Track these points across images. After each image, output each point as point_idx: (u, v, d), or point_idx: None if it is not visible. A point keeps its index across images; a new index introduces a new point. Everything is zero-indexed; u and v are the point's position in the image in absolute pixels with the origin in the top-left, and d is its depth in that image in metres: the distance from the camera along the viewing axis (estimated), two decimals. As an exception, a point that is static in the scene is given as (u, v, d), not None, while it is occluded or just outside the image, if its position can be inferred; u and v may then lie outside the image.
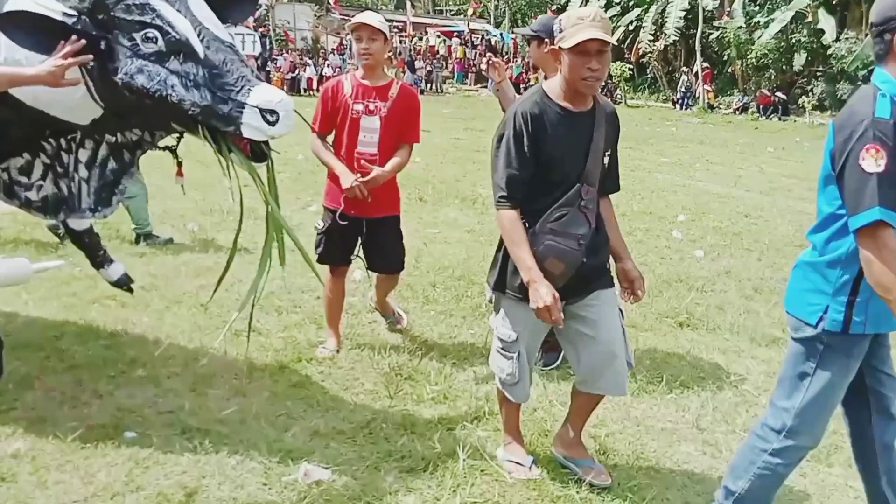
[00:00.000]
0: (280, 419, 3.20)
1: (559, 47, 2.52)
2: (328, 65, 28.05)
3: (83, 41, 2.53)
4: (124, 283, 3.92)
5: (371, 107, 3.76)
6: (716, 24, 27.18)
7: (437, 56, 32.19)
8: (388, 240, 3.94)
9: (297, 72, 27.20)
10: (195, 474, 2.75)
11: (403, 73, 27.71)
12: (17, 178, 3.16)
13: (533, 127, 2.54)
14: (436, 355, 3.94)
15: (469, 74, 32.22)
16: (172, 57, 2.60)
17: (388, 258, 3.99)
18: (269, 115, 2.53)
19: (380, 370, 3.72)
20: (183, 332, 4.17)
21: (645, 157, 13.44)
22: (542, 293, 2.49)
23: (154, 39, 2.60)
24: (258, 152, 2.70)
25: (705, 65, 27.33)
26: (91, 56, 2.57)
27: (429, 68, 30.13)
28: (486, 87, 29.80)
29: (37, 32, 2.53)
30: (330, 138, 3.83)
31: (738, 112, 26.00)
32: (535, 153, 2.55)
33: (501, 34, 35.03)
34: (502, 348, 2.78)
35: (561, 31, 2.52)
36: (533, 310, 2.53)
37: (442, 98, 28.12)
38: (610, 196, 2.85)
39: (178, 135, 3.17)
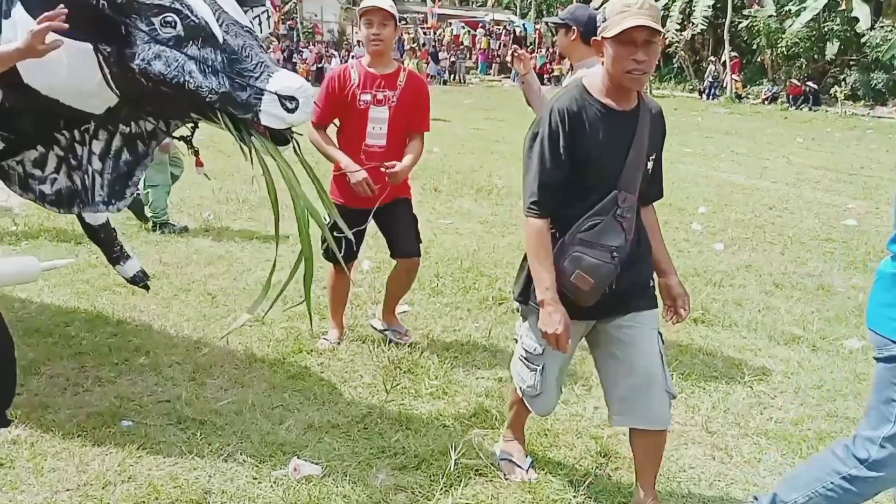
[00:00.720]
0: (276, 411, 3.18)
1: (601, 37, 2.28)
2: (353, 56, 28.01)
3: (64, 10, 2.35)
4: (140, 280, 3.86)
5: (379, 96, 3.64)
6: (745, 12, 26.68)
7: (462, 47, 32.00)
8: (403, 220, 3.82)
9: (322, 62, 27.22)
10: (186, 466, 2.74)
11: (427, 64, 27.62)
12: (31, 170, 3.11)
13: (570, 125, 2.31)
14: (438, 349, 3.90)
15: (493, 65, 32.02)
16: (191, 42, 2.54)
17: (407, 238, 3.83)
18: (289, 102, 2.48)
19: (379, 363, 3.69)
20: (188, 321, 4.17)
21: (668, 147, 12.61)
22: (554, 319, 2.31)
23: (173, 24, 2.53)
24: (279, 136, 2.63)
25: (734, 54, 26.86)
26: (65, 24, 2.37)
27: (452, 59, 29.98)
28: (509, 77, 29.64)
29: (80, 23, 2.45)
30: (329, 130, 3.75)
31: (766, 102, 25.52)
32: (571, 154, 2.32)
33: (524, 24, 34.74)
34: (526, 359, 2.58)
35: (605, 20, 2.28)
36: (542, 333, 2.37)
37: (465, 88, 27.98)
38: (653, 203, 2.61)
39: (192, 124, 3.11)
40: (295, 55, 27.39)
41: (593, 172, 2.34)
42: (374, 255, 5.62)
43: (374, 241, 6.07)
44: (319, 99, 3.64)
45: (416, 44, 30.13)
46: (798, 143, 15.06)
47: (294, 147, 2.71)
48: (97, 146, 3.06)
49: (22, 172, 3.12)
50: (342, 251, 3.73)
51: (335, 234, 3.26)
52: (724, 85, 26.71)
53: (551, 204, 2.34)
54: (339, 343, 3.92)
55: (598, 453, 2.97)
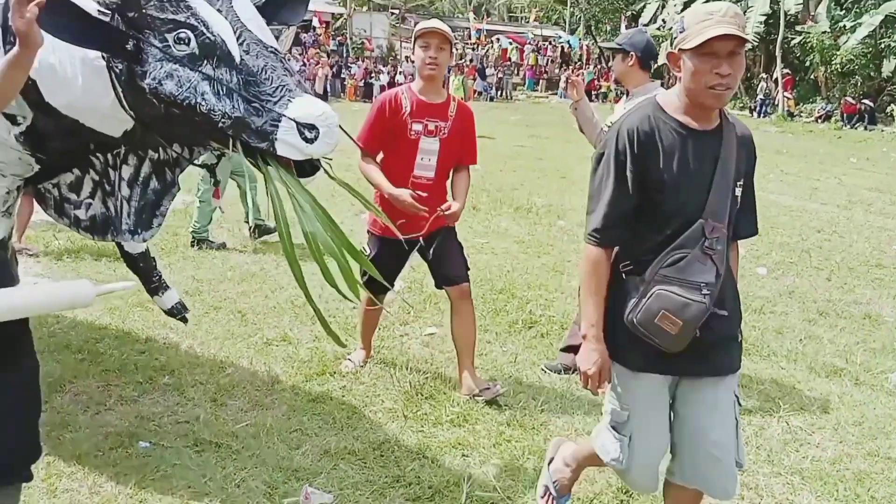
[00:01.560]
0: (293, 435, 3.14)
1: (679, 49, 2.07)
2: (400, 72, 28.24)
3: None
4: (178, 313, 3.65)
5: (431, 127, 3.47)
6: (798, 28, 26.15)
7: (510, 63, 32.00)
8: (450, 247, 3.63)
9: (370, 78, 27.49)
10: (199, 490, 2.72)
11: (474, 80, 27.69)
12: (66, 194, 2.99)
13: (639, 147, 2.09)
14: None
15: (540, 81, 31.93)
16: (205, 61, 2.33)
17: (455, 264, 3.63)
18: (308, 131, 2.24)
19: (401, 388, 3.63)
20: (216, 339, 4.19)
21: None
22: (591, 358, 2.15)
23: (186, 40, 2.33)
24: (305, 167, 2.39)
25: (786, 71, 26.32)
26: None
27: (499, 75, 29.99)
28: (555, 93, 29.52)
29: (71, 24, 2.25)
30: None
31: (820, 120, 24.91)
32: (641, 180, 2.11)
33: (569, 41, 34.61)
34: (612, 426, 2.27)
35: (682, 31, 2.08)
36: (580, 372, 2.19)
37: (511, 105, 27.94)
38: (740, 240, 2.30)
39: (218, 152, 2.98)
40: (343, 70, 27.70)
41: (672, 200, 2.10)
42: (407, 275, 5.59)
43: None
44: (368, 125, 3.52)
45: (462, 60, 30.24)
46: (851, 164, 14.63)
47: (326, 170, 2.50)
48: (126, 171, 2.93)
49: (57, 196, 3.01)
50: (371, 280, 3.49)
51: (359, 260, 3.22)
52: (776, 103, 26.17)
53: (614, 233, 2.16)
54: (363, 366, 3.87)
55: (619, 489, 2.87)
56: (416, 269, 5.74)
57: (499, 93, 29.59)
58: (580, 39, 33.83)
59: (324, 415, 3.34)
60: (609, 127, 3.96)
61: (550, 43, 34.58)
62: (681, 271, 2.07)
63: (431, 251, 3.61)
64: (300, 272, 2.31)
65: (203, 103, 2.32)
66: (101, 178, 2.95)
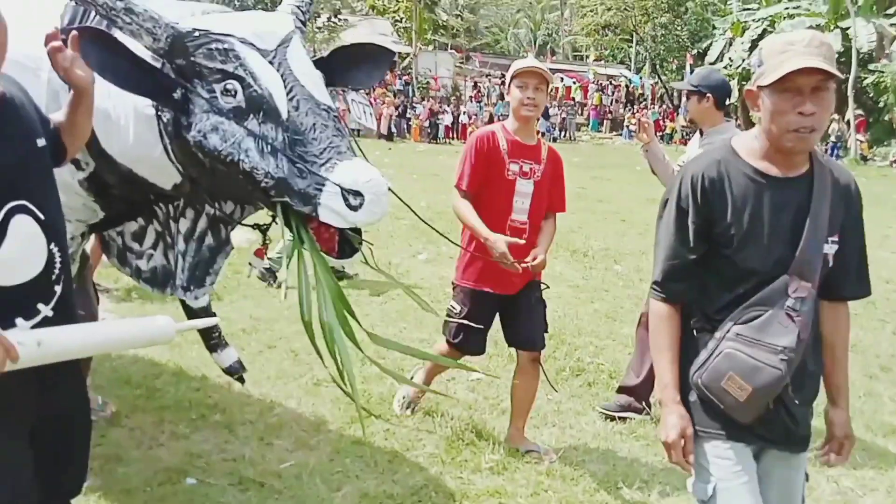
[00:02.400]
0: (335, 477, 3.21)
1: (757, 87, 1.86)
2: (464, 112, 28.60)
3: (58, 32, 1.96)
4: (235, 371, 3.54)
5: (525, 168, 3.35)
6: (871, 67, 25.48)
7: (573, 102, 32.08)
8: (533, 307, 3.47)
9: (436, 118, 27.88)
10: (240, 529, 2.81)
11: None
12: (129, 243, 2.94)
13: (703, 196, 1.90)
14: (505, 420, 3.82)
15: (604, 122, 31.85)
16: (251, 115, 2.22)
17: (535, 327, 3.49)
18: (352, 198, 2.10)
19: (444, 433, 3.67)
20: (268, 378, 4.30)
21: None
22: (668, 423, 1.93)
23: (233, 92, 2.22)
24: (347, 248, 2.29)
25: (859, 112, 25.63)
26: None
27: (563, 115, 30.05)
28: (620, 134, 29.39)
29: (120, 64, 2.20)
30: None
31: (894, 165, 24.09)
32: (705, 232, 1.92)
33: (631, 80, 34.50)
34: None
35: (760, 65, 1.86)
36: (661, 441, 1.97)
37: (574, 146, 27.91)
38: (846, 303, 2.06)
39: (272, 213, 2.65)
40: (409, 110, 28.21)
41: (743, 256, 1.90)
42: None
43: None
44: (466, 163, 3.39)
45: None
46: (927, 209, 14.08)
47: (365, 257, 2.40)
48: (183, 225, 2.84)
49: (121, 244, 2.96)
50: (478, 345, 3.47)
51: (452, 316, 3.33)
52: (848, 146, 25.46)
53: (676, 287, 1.99)
54: (413, 409, 3.87)
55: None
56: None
57: (562, 133, 29.63)
58: (641, 78, 33.72)
59: (366, 457, 3.40)
60: (681, 167, 3.99)
61: (611, 82, 34.53)
62: (757, 331, 1.86)
63: (514, 309, 3.45)
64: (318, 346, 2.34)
65: (246, 160, 2.22)
66: (164, 230, 2.89)
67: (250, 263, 2.69)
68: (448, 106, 28.58)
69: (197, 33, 2.25)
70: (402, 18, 35.04)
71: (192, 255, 2.84)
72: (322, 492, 3.09)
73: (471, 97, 32.57)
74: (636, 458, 3.50)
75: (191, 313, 3.35)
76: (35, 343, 1.68)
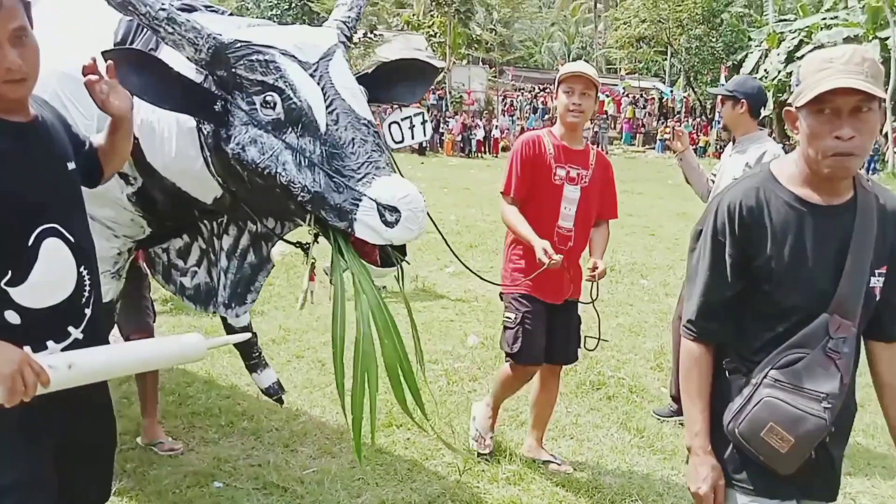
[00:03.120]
0: (355, 484, 3.31)
1: (795, 108, 1.74)
2: (496, 126, 28.68)
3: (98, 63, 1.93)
4: (274, 393, 3.50)
5: (573, 174, 3.29)
6: (910, 78, 25.01)
7: (605, 116, 32.00)
8: (571, 323, 3.47)
9: (468, 132, 27.99)
10: (263, 531, 2.92)
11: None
12: (174, 260, 2.96)
13: (742, 227, 1.76)
14: (523, 432, 3.90)
15: (637, 135, 31.70)
16: (290, 128, 2.19)
17: (570, 343, 3.48)
18: (389, 214, 2.05)
19: (463, 442, 3.74)
20: (295, 387, 4.43)
21: None
22: (699, 475, 1.81)
23: (273, 104, 2.20)
24: (386, 258, 2.23)
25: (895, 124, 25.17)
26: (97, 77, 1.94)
27: (595, 129, 29.98)
28: (653, 147, 29.23)
29: (160, 85, 2.18)
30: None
31: (938, 177, 23.62)
32: (744, 266, 1.78)
33: (664, 93, 34.29)
34: None
35: (798, 83, 1.73)
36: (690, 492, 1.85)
37: (607, 158, 27.83)
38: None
39: (315, 231, 2.52)
40: (441, 125, 28.39)
41: (785, 291, 1.75)
42: (483, 330, 5.73)
43: (483, 315, 6.23)
44: (512, 168, 3.34)
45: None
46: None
47: (396, 276, 2.34)
48: (226, 242, 2.83)
49: (166, 261, 2.98)
50: (538, 354, 3.33)
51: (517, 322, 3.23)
52: (886, 158, 25.00)
53: (711, 326, 1.84)
54: (489, 450, 3.63)
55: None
56: (492, 325, 5.88)
57: (595, 146, 29.53)
58: (672, 91, 33.50)
59: (386, 465, 3.49)
60: (714, 177, 4.04)
61: (643, 96, 34.35)
62: (797, 376, 1.71)
63: (553, 323, 3.38)
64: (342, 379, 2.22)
65: (283, 174, 2.18)
66: (208, 247, 2.90)
67: (304, 290, 2.48)
68: (480, 120, 28.69)
69: (238, 44, 2.24)
70: (436, 34, 35.29)
71: (234, 272, 2.84)
72: (342, 497, 3.19)
73: (503, 111, 32.67)
74: (653, 471, 3.55)
75: (231, 332, 3.28)
76: (66, 366, 1.66)
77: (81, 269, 1.85)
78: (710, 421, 1.85)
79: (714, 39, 32.44)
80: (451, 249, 2.75)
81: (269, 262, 2.91)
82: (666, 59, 37.83)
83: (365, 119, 2.23)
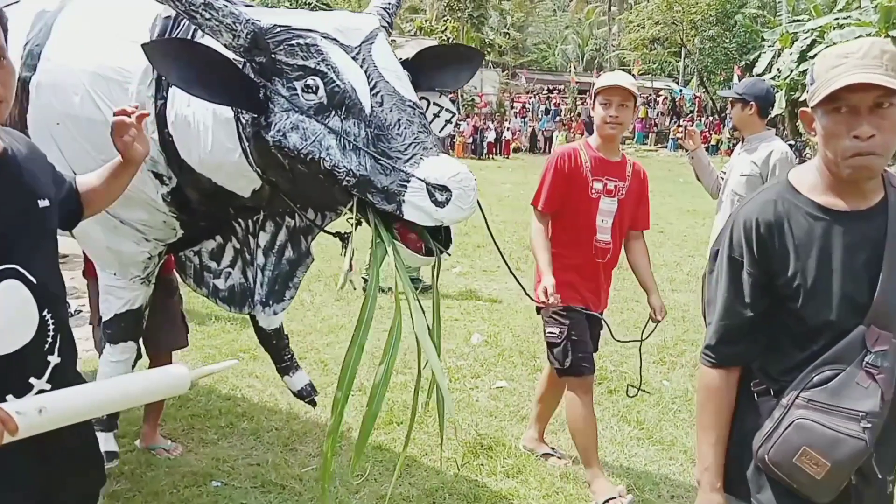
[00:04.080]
0: (354, 480, 3.30)
1: (810, 108, 1.63)
2: (507, 128, 28.69)
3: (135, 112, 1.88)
4: (307, 395, 3.44)
5: (610, 186, 3.22)
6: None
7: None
8: (594, 333, 3.40)
9: (479, 134, 28.02)
10: (259, 528, 2.93)
11: (582, 135, 27.74)
12: (207, 263, 2.88)
13: (760, 244, 1.64)
14: (524, 428, 3.88)
15: (650, 134, 31.59)
16: (333, 111, 2.12)
17: (593, 349, 3.42)
18: (439, 193, 1.97)
19: (463, 438, 3.74)
20: (298, 388, 4.44)
21: None
22: (706, 501, 1.72)
23: (315, 88, 2.12)
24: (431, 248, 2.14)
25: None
26: (146, 113, 1.94)
27: (608, 129, 29.91)
28: (665, 146, 29.10)
29: (205, 76, 2.10)
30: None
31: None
32: (766, 284, 1.65)
33: (675, 92, 34.17)
34: None
35: (812, 82, 1.61)
36: None
37: (620, 158, 27.82)
38: None
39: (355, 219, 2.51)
40: (453, 128, 28.39)
41: (814, 307, 1.61)
42: (487, 329, 5.72)
43: (488, 313, 6.22)
44: (547, 181, 3.26)
45: (571, 115, 30.38)
46: None
47: (434, 269, 2.25)
48: (263, 238, 2.77)
49: (198, 264, 2.90)
50: (590, 364, 3.26)
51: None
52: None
53: (733, 350, 1.72)
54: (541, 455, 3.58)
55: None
56: (496, 323, 5.88)
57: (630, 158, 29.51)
58: (681, 91, 33.37)
59: (385, 462, 3.49)
60: (724, 174, 4.09)
61: (658, 95, 34.21)
62: (832, 394, 1.57)
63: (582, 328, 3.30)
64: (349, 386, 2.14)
65: (327, 158, 2.10)
66: (242, 247, 2.83)
67: (345, 274, 2.48)
68: (492, 122, 28.71)
69: (278, 29, 2.15)
70: (449, 38, 35.39)
71: (271, 268, 2.79)
72: (341, 493, 3.19)
73: (515, 113, 32.66)
74: (651, 462, 3.52)
75: (262, 334, 3.28)
76: (36, 410, 1.52)
77: (45, 312, 1.69)
78: (730, 449, 1.74)
79: (728, 40, 32.28)
80: (500, 251, 2.61)
81: (308, 256, 2.85)
82: (679, 59, 37.69)
83: (410, 101, 2.17)
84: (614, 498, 3.15)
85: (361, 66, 2.15)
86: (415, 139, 2.06)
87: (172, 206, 2.63)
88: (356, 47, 2.18)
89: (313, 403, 3.50)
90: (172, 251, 2.89)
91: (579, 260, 3.24)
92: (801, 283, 1.61)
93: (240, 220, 2.76)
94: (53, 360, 1.72)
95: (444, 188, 1.96)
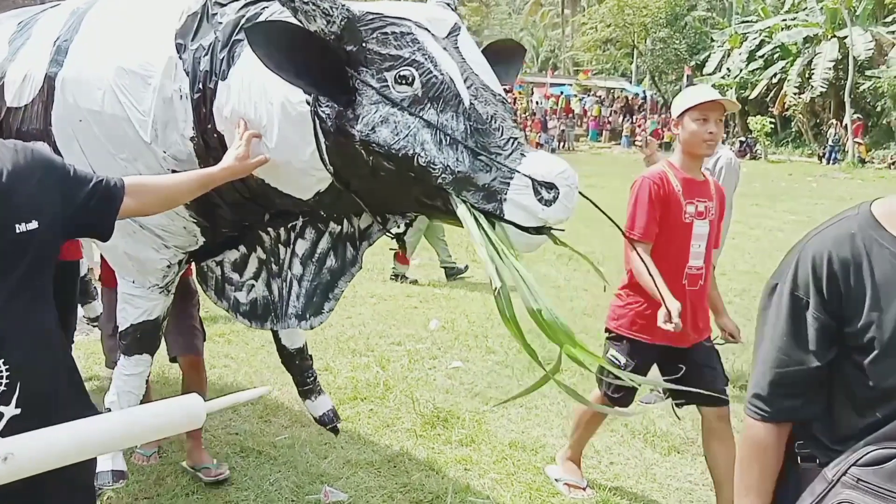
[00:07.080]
0: (323, 448, 3.68)
1: None
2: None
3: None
4: (329, 421, 3.22)
5: (700, 208, 3.01)
6: (868, 73, 25.85)
7: (572, 115, 32.58)
8: (713, 354, 3.09)
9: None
10: (240, 486, 3.30)
11: (538, 133, 28.31)
12: (229, 274, 2.69)
13: (831, 283, 1.40)
14: (477, 402, 4.29)
15: (603, 132, 32.37)
16: (429, 104, 1.96)
17: (718, 376, 3.05)
18: (546, 191, 1.83)
19: (421, 412, 4.13)
20: (268, 368, 4.77)
21: (770, 214, 12.97)
22: None
23: (409, 80, 1.96)
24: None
25: (857, 116, 25.99)
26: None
27: (562, 127, 30.56)
28: (619, 143, 29.87)
29: (299, 59, 1.97)
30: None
31: (892, 167, 24.46)
32: (834, 332, 1.42)
33: (626, 91, 35.07)
34: None
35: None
36: None
37: (572, 155, 28.31)
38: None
39: (407, 221, 2.45)
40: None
41: (890, 366, 1.35)
42: (444, 315, 6.12)
43: (446, 301, 6.62)
44: (642, 208, 3.00)
45: (526, 114, 30.92)
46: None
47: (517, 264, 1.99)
48: (301, 247, 2.53)
49: (220, 276, 2.71)
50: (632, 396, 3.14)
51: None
52: (846, 149, 25.84)
53: (791, 404, 1.49)
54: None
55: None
56: (452, 310, 6.28)
57: (561, 144, 30.11)
58: (644, 91, 34.25)
59: (351, 432, 3.87)
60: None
61: (611, 95, 35.03)
62: (889, 477, 1.32)
63: (688, 360, 2.98)
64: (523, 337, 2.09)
65: (422, 154, 1.94)
66: (269, 257, 2.62)
67: (394, 266, 2.40)
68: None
69: (371, 16, 2.01)
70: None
71: (309, 279, 2.54)
72: (311, 459, 3.56)
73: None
74: (650, 458, 3.76)
75: (284, 353, 3.12)
76: (0, 459, 1.30)
77: None
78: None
79: (678, 41, 33.17)
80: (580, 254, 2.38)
81: (354, 265, 2.56)
82: (632, 61, 38.54)
83: (500, 95, 2.06)
84: (579, 487, 3.30)
85: (452, 57, 2.02)
86: (511, 134, 1.94)
87: (197, 212, 2.49)
88: (444, 38, 2.06)
89: (335, 431, 3.28)
90: (194, 260, 2.76)
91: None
92: (875, 336, 1.36)
93: (271, 228, 2.56)
94: (7, 410, 1.50)
95: (551, 185, 1.83)
